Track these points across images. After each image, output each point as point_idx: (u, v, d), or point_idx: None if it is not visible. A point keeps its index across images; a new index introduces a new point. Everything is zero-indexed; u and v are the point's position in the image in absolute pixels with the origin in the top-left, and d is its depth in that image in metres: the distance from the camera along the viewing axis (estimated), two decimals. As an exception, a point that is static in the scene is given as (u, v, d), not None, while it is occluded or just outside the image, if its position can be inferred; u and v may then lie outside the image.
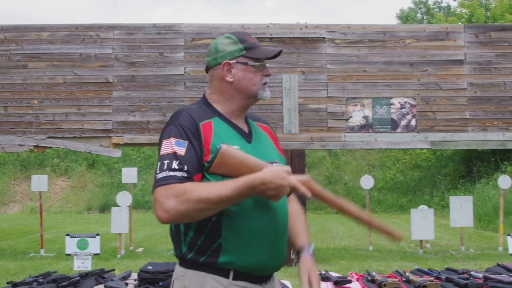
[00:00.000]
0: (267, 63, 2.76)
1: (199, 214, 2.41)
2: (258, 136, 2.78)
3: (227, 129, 2.65)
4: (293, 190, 2.48)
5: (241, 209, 2.50)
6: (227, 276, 2.53)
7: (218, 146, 2.48)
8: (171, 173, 2.41)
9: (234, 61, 2.69)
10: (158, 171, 2.44)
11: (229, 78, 2.70)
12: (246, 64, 2.70)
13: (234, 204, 2.45)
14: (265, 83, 2.75)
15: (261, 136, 2.81)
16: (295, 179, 2.47)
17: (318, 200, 2.62)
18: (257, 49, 2.71)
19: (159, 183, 2.40)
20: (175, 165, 2.43)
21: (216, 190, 2.36)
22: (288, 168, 2.50)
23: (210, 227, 2.51)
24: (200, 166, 2.49)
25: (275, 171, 2.43)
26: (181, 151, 2.46)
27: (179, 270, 2.63)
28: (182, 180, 2.40)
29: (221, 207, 2.41)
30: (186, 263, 2.59)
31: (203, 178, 2.49)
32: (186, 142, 2.49)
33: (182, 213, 2.36)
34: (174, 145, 2.48)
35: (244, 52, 2.70)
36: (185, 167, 2.43)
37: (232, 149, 2.49)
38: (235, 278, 2.54)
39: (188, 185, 2.38)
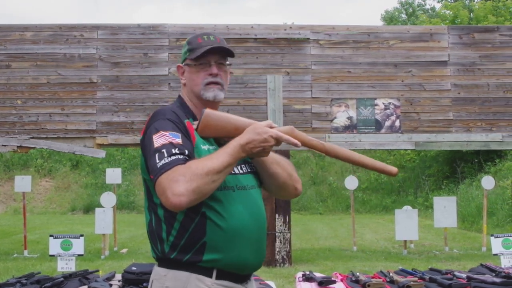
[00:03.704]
0: (217, 61, 2.75)
1: (210, 188, 2.37)
2: None
3: None
4: (279, 141, 2.49)
5: (224, 207, 2.50)
6: (210, 276, 2.52)
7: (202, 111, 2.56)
8: (173, 158, 2.37)
9: (184, 63, 2.80)
10: (157, 161, 2.38)
11: (183, 81, 2.82)
12: (190, 65, 2.76)
13: (233, 167, 2.48)
14: (209, 83, 2.72)
15: None
16: (277, 131, 2.50)
17: (306, 146, 2.61)
18: (197, 49, 2.71)
19: (162, 170, 2.35)
20: (175, 151, 2.40)
21: (216, 159, 2.39)
22: (269, 122, 2.55)
23: (194, 226, 2.50)
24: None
25: (255, 129, 2.48)
26: (178, 140, 2.45)
27: (160, 270, 2.63)
28: (185, 161, 2.37)
29: (224, 176, 2.42)
30: (168, 263, 2.58)
31: None
32: (180, 134, 2.50)
33: (194, 191, 2.31)
34: (168, 136, 2.46)
35: (188, 54, 2.76)
36: (186, 151, 2.42)
37: (216, 111, 2.58)
38: (218, 277, 2.53)
39: (190, 163, 2.36)
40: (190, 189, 2.30)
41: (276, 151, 2.80)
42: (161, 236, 2.59)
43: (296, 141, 2.51)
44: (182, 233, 2.52)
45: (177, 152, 2.40)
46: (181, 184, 2.30)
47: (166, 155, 2.38)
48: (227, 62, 2.80)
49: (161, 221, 2.57)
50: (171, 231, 2.54)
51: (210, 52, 2.69)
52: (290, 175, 2.81)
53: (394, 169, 2.63)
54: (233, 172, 2.59)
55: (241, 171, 2.67)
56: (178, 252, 2.53)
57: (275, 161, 2.77)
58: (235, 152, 2.42)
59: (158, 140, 2.45)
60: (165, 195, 2.32)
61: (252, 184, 2.70)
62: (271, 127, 2.51)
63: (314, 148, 2.61)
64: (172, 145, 2.42)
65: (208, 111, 2.55)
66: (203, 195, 2.36)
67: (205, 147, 2.57)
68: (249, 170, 2.73)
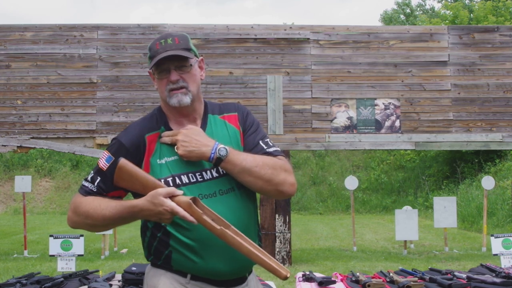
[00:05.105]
0: (177, 65, 2.59)
1: (88, 228, 2.58)
2: (211, 135, 2.63)
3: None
4: (175, 214, 2.35)
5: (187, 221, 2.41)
6: (185, 276, 2.57)
7: (118, 160, 2.50)
8: (85, 184, 2.57)
9: (151, 70, 2.66)
10: (85, 176, 2.61)
11: (155, 86, 2.70)
12: (153, 74, 2.65)
13: (125, 223, 2.54)
14: (172, 90, 2.58)
15: (216, 134, 2.66)
16: (173, 204, 2.34)
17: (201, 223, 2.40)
18: (154, 58, 2.57)
19: (79, 188, 2.60)
20: (90, 176, 2.57)
21: (100, 210, 2.47)
22: (170, 190, 2.38)
23: (159, 238, 2.57)
24: None
25: (152, 198, 2.35)
26: (105, 166, 2.55)
27: (147, 268, 2.74)
28: (87, 193, 2.54)
29: (112, 225, 2.59)
30: (151, 263, 2.69)
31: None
32: (113, 158, 2.54)
33: (76, 224, 2.56)
34: (103, 159, 2.57)
35: (149, 62, 2.62)
36: (97, 182, 2.55)
37: (129, 165, 2.48)
38: (193, 279, 2.57)
39: (86, 199, 2.52)
40: (73, 220, 2.58)
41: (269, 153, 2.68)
42: (141, 240, 2.73)
43: (191, 218, 2.33)
44: (151, 242, 2.62)
45: (90, 180, 2.59)
46: (70, 212, 2.59)
47: (86, 176, 2.65)
48: (193, 59, 2.63)
49: (143, 226, 2.69)
50: (145, 238, 2.65)
51: (166, 59, 2.55)
52: (268, 181, 2.55)
53: (284, 273, 2.33)
54: (196, 179, 2.55)
55: (211, 176, 2.58)
56: (154, 257, 2.63)
57: (245, 170, 2.53)
58: (126, 213, 2.46)
59: (100, 158, 2.60)
60: None
61: (228, 187, 2.59)
62: (173, 196, 2.37)
63: (207, 228, 2.38)
64: (98, 169, 2.58)
65: (121, 163, 2.46)
66: (85, 228, 2.60)
67: (161, 161, 2.55)
68: (223, 173, 2.59)
